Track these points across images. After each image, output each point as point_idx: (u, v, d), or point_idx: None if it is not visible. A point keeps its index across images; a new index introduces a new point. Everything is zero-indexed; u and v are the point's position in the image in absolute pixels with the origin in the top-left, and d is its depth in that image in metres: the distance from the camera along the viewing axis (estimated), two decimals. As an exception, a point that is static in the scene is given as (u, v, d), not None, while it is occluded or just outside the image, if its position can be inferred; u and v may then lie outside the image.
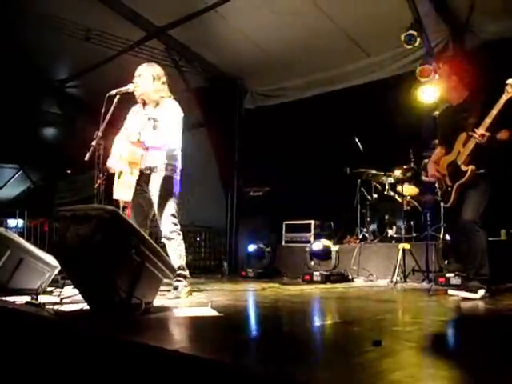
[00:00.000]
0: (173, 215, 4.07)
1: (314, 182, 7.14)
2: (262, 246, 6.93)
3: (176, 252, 4.01)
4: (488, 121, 3.65)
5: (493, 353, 1.95)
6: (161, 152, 4.05)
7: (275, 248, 7.07)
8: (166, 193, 4.03)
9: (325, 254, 5.87)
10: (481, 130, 3.65)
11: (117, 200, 4.01)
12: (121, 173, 3.98)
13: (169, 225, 4.04)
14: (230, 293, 4.57)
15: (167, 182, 4.05)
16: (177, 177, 4.15)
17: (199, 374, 1.70)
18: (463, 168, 3.84)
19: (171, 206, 4.06)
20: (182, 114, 4.11)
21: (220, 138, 8.18)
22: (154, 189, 4.03)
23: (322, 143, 7.24)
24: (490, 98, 3.72)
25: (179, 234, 4.09)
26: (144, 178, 4.05)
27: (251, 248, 7.00)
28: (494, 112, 3.62)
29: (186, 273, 4.08)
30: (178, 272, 3.93)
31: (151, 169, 4.05)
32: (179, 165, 4.20)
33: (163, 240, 4.04)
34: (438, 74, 4.41)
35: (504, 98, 3.59)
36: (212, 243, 8.80)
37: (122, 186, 3.92)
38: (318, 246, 6.07)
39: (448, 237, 5.06)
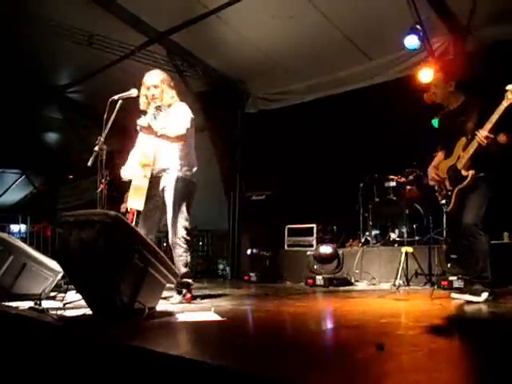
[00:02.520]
0: (186, 219, 3.90)
1: (317, 185, 7.14)
2: (264, 250, 6.93)
3: (182, 259, 3.88)
4: (489, 126, 3.64)
5: (496, 356, 1.95)
6: (174, 151, 3.92)
7: (278, 252, 7.07)
8: (178, 195, 3.86)
9: (328, 258, 5.87)
10: (485, 132, 3.65)
11: (119, 205, 3.96)
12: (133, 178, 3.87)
13: (179, 230, 3.87)
14: (233, 297, 4.56)
15: (180, 183, 3.89)
16: (192, 178, 3.98)
17: (202, 379, 1.70)
18: (463, 173, 3.84)
19: (184, 211, 3.89)
20: (191, 115, 4.02)
21: (222, 142, 8.19)
22: (167, 191, 3.88)
23: (323, 147, 7.25)
24: (488, 102, 3.71)
25: (188, 240, 3.93)
26: (156, 180, 3.92)
27: (254, 252, 7.00)
28: (496, 117, 3.61)
29: (190, 281, 3.97)
30: (183, 280, 3.83)
31: (164, 170, 3.92)
32: (195, 163, 4.05)
33: (171, 244, 3.90)
34: (434, 79, 4.41)
35: (504, 104, 3.57)
36: (214, 247, 8.81)
37: (134, 193, 3.80)
38: (323, 249, 6.06)
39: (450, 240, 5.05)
